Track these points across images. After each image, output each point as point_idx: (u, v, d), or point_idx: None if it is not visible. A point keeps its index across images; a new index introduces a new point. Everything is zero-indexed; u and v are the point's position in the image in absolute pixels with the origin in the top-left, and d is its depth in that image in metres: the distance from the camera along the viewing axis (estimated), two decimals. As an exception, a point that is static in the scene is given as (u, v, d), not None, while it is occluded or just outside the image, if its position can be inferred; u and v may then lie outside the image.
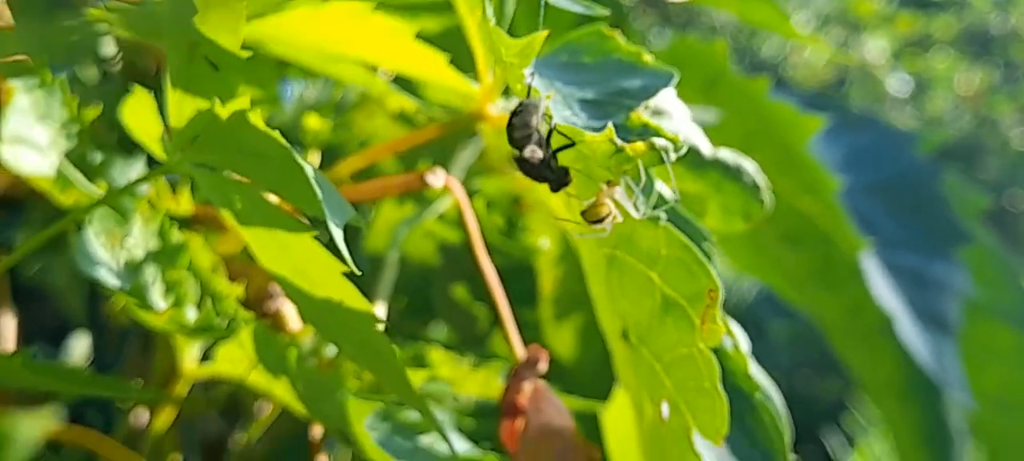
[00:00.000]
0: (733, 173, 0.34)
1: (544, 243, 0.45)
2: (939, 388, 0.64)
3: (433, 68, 0.35)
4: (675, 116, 0.31)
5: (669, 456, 0.28)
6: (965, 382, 0.61)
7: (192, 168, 0.28)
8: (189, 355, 0.36)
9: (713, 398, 0.26)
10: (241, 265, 0.38)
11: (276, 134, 0.26)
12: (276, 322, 0.37)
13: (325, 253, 0.27)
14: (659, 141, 0.25)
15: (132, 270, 0.31)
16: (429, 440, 0.33)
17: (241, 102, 0.27)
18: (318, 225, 0.27)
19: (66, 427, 0.37)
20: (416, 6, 0.42)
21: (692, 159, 0.33)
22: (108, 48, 0.45)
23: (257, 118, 0.26)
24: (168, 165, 0.28)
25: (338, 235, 0.25)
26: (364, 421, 0.31)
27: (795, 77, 2.15)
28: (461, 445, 0.34)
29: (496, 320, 0.39)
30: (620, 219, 0.26)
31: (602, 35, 0.31)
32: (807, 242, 0.60)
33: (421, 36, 0.33)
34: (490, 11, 0.27)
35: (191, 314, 0.32)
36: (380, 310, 0.40)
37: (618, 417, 0.38)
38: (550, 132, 0.26)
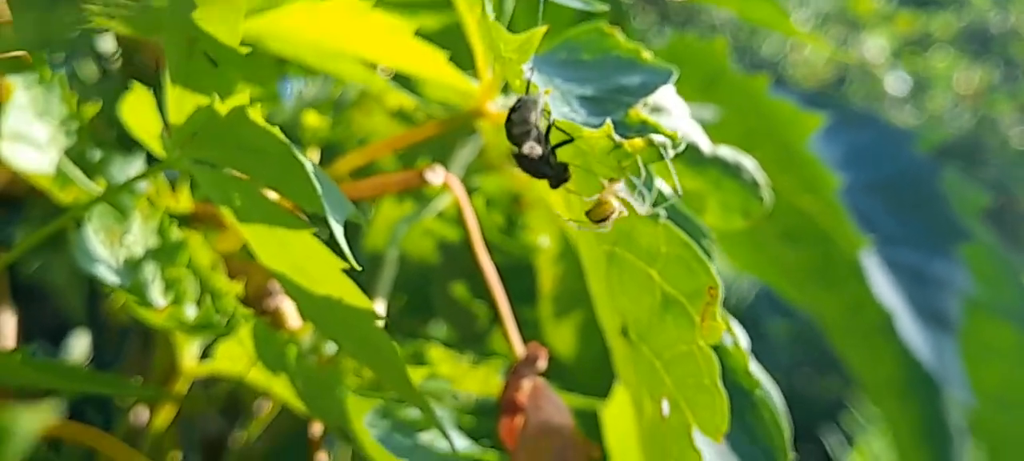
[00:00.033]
0: (732, 170, 0.34)
1: (544, 241, 0.45)
2: (939, 386, 0.64)
3: (432, 65, 0.35)
4: (674, 113, 0.31)
5: (669, 453, 0.28)
6: (966, 379, 0.61)
7: (191, 165, 0.28)
8: (188, 353, 0.36)
9: (713, 395, 0.26)
10: (240, 262, 0.38)
11: (275, 130, 0.26)
12: (275, 319, 0.37)
13: (325, 250, 0.27)
14: (657, 137, 0.25)
15: (131, 267, 0.31)
16: (429, 437, 0.33)
17: (240, 98, 0.27)
18: (317, 222, 0.27)
19: (66, 424, 0.37)
20: (415, 3, 0.42)
21: (691, 156, 0.33)
22: (107, 45, 0.45)
23: (256, 114, 0.26)
24: (167, 162, 0.28)
25: (338, 231, 0.25)
26: (364, 418, 0.31)
27: (795, 76, 2.15)
28: (460, 442, 0.34)
29: (495, 318, 0.40)
30: (625, 213, 0.26)
31: (601, 32, 0.31)
32: (807, 240, 0.60)
33: (420, 33, 0.33)
34: (489, 8, 0.27)
35: (190, 311, 0.32)
36: (380, 308, 0.40)
37: (618, 415, 0.38)
38: (549, 128, 0.26)
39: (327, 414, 0.33)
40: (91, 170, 0.34)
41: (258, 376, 0.34)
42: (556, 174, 0.27)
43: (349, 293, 0.27)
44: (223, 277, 0.34)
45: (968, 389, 0.61)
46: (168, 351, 0.37)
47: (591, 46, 0.31)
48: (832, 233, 0.58)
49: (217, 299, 0.33)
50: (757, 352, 0.32)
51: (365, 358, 0.31)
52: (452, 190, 0.37)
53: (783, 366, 1.34)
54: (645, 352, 0.28)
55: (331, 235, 0.26)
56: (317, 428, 0.39)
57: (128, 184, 0.29)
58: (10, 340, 0.42)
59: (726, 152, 0.34)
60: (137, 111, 0.30)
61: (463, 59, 0.35)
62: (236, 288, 0.34)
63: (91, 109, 0.32)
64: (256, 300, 0.37)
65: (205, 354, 0.37)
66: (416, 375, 0.35)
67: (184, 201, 0.38)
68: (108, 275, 0.30)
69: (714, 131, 0.34)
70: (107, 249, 0.30)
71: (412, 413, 0.33)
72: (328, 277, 0.27)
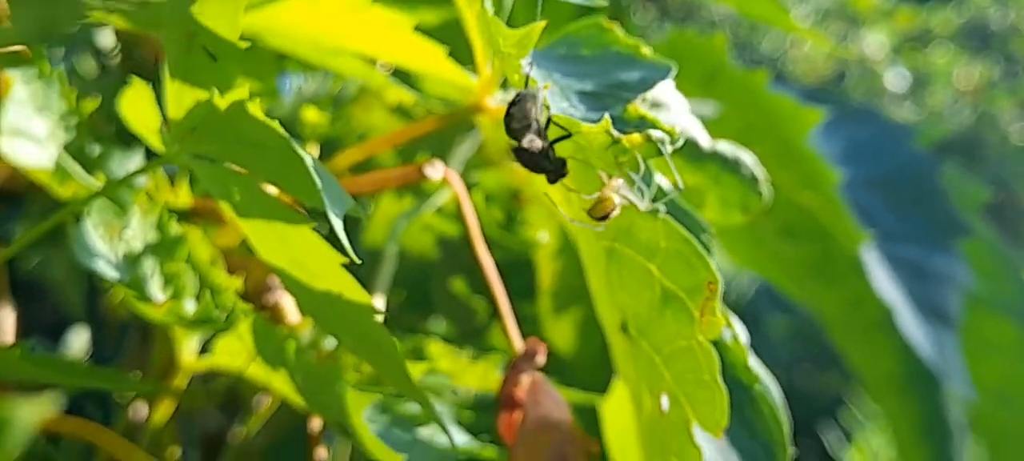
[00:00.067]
0: (732, 165, 0.34)
1: (543, 236, 0.45)
2: (939, 382, 0.64)
3: (431, 61, 0.35)
4: (673, 108, 0.31)
5: (668, 448, 0.28)
6: (966, 374, 0.61)
7: (190, 159, 0.28)
8: (188, 348, 0.36)
9: (712, 390, 0.26)
10: (240, 257, 0.38)
11: (275, 124, 0.26)
12: (275, 314, 0.37)
13: (324, 245, 0.27)
14: (656, 133, 0.25)
15: (130, 262, 0.31)
16: (428, 432, 0.33)
17: (239, 93, 0.26)
18: (317, 217, 0.27)
19: (65, 419, 0.37)
20: (415, -1, 0.42)
21: (691, 152, 0.33)
22: (106, 40, 0.45)
23: (256, 108, 0.26)
24: (166, 156, 0.28)
25: (338, 225, 0.25)
26: (363, 413, 0.31)
27: (794, 71, 2.14)
28: (460, 437, 0.34)
29: (495, 313, 0.39)
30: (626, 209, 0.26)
31: (601, 28, 0.31)
32: (806, 236, 0.60)
33: (419, 29, 0.33)
34: (488, 3, 0.27)
35: (190, 306, 0.32)
36: (379, 303, 0.40)
37: (617, 410, 0.38)
38: (548, 123, 0.26)
39: (326, 409, 0.33)
40: (90, 165, 0.34)
41: (257, 371, 0.34)
42: (555, 169, 0.27)
43: (348, 288, 0.27)
44: (222, 272, 0.34)
45: (968, 385, 0.61)
46: (167, 346, 0.37)
47: (590, 41, 0.31)
48: (832, 229, 0.58)
49: (216, 294, 0.33)
50: (756, 347, 0.32)
51: (364, 353, 0.31)
52: (451, 185, 0.37)
53: (783, 362, 1.34)
54: (644, 347, 0.28)
55: (330, 230, 0.26)
56: (316, 423, 0.39)
57: (127, 179, 0.29)
58: (9, 335, 0.42)
59: (725, 147, 0.34)
60: (136, 106, 0.30)
61: (462, 54, 0.35)
62: (235, 283, 0.34)
63: (90, 104, 0.32)
64: (255, 295, 0.37)
65: (204, 349, 0.37)
66: (415, 370, 0.35)
67: (183, 196, 0.38)
68: (107, 270, 0.30)
69: (713, 127, 0.34)
70: (106, 244, 0.30)
71: (411, 408, 0.33)
72: (327, 272, 0.27)
